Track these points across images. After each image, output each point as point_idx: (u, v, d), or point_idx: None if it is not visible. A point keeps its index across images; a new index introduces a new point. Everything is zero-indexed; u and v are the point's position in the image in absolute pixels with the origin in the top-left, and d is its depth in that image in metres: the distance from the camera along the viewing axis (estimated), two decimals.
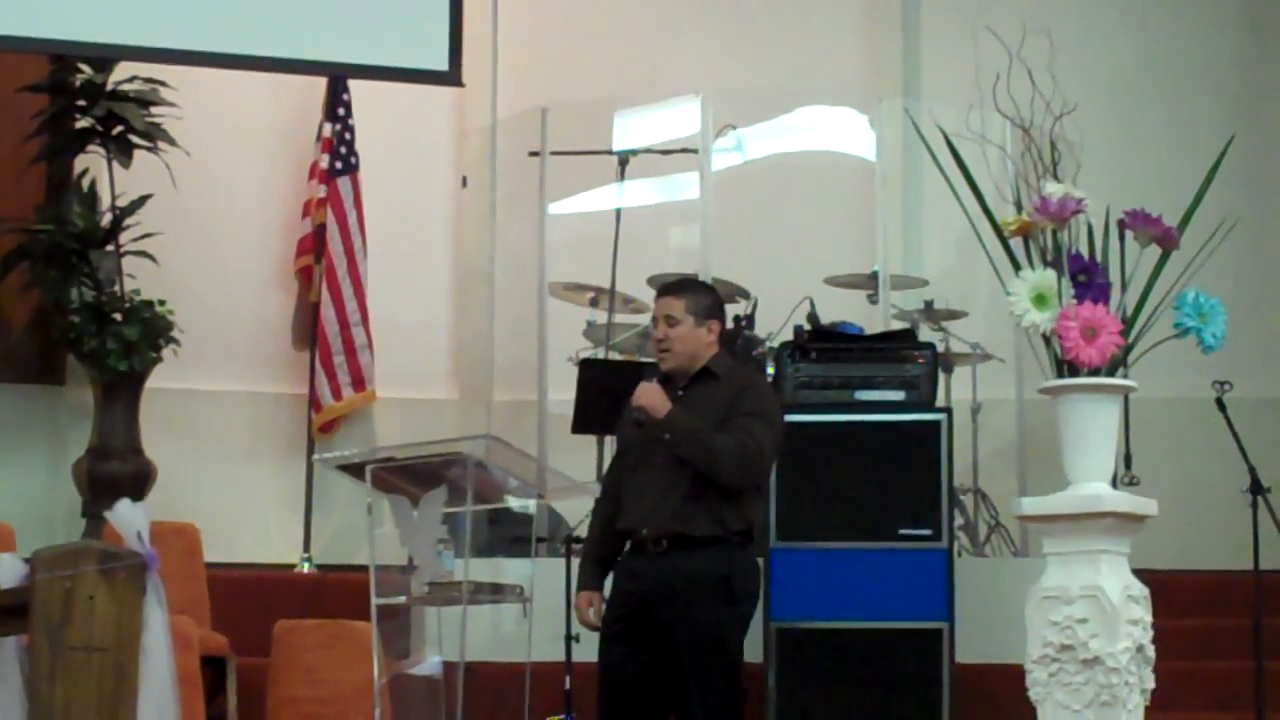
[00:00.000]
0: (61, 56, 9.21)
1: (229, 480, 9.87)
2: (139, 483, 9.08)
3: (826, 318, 9.18)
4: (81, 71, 9.38)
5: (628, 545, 6.80)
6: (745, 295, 9.58)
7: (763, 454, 6.72)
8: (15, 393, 9.55)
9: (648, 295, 9.51)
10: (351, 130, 10.01)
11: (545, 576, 6.61)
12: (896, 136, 10.10)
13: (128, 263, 9.36)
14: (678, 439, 6.62)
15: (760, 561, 7.98)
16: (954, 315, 9.63)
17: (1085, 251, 5.24)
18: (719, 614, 6.63)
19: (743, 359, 9.13)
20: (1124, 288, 5.23)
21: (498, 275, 10.05)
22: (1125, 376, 5.20)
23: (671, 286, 7.05)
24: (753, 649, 7.91)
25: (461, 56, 8.56)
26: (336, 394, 9.89)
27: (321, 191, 9.95)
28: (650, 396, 6.65)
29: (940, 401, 8.65)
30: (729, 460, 6.60)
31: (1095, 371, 5.11)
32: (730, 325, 9.33)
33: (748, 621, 6.81)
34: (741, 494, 6.70)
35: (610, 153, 9.91)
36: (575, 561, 7.42)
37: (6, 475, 9.38)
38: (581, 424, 8.71)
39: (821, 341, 8.52)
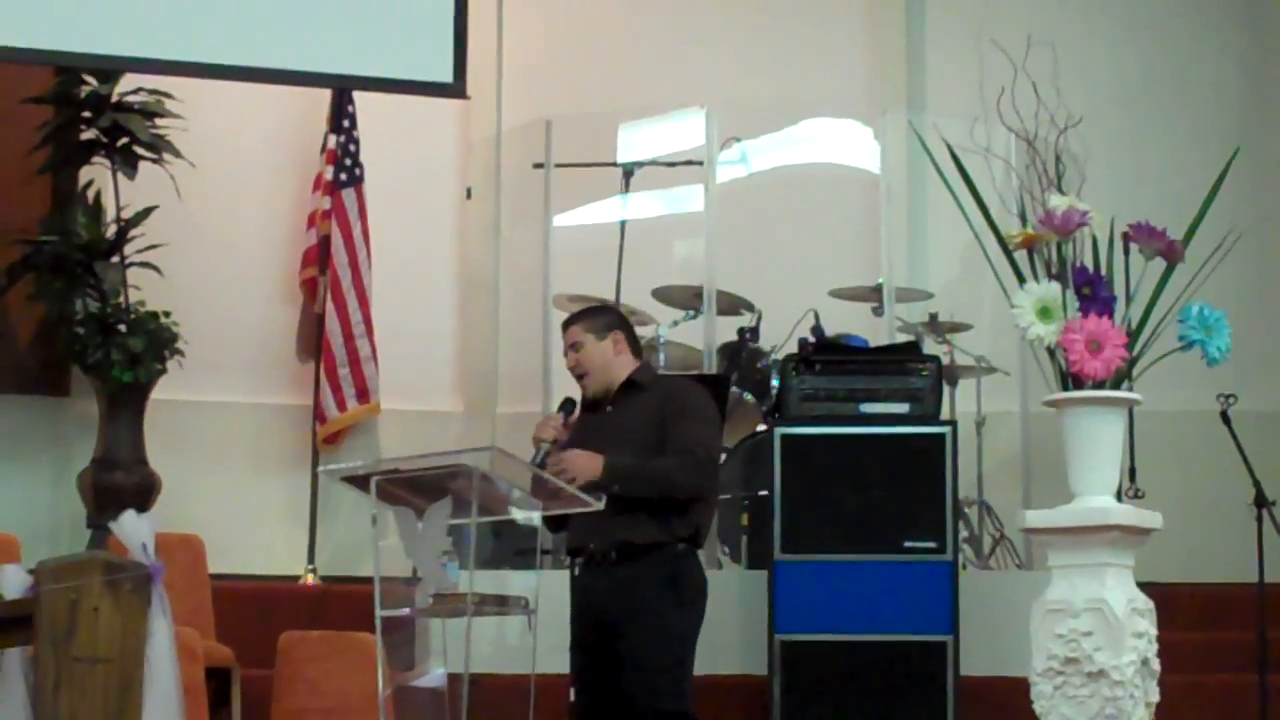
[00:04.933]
0: (66, 68, 9.22)
1: (233, 491, 9.86)
2: (144, 494, 9.08)
3: (831, 330, 9.19)
4: (86, 83, 9.38)
5: (578, 561, 6.85)
6: (750, 308, 9.59)
7: (709, 455, 6.81)
8: (20, 404, 9.56)
9: (652, 308, 9.53)
10: (356, 142, 10.01)
11: (549, 588, 6.59)
12: (901, 149, 10.11)
13: (132, 274, 9.37)
14: (626, 486, 6.62)
15: (764, 573, 8.02)
16: (958, 328, 9.63)
17: (1090, 264, 5.24)
18: (669, 612, 6.67)
19: (747, 372, 9.14)
20: (1129, 300, 5.23)
21: (502, 287, 10.06)
22: (1130, 389, 5.20)
23: (568, 318, 7.17)
24: (757, 662, 7.93)
25: (466, 68, 8.56)
26: (341, 405, 9.88)
27: (326, 203, 9.95)
28: (578, 468, 6.62)
29: (945, 414, 8.64)
30: (680, 479, 6.67)
31: (1100, 384, 5.11)
32: (735, 337, 9.36)
33: (699, 621, 6.79)
34: (689, 502, 6.73)
35: (615, 165, 9.92)
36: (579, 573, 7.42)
37: (11, 486, 9.39)
38: None
39: (826, 354, 8.52)
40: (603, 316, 7.10)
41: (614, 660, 6.69)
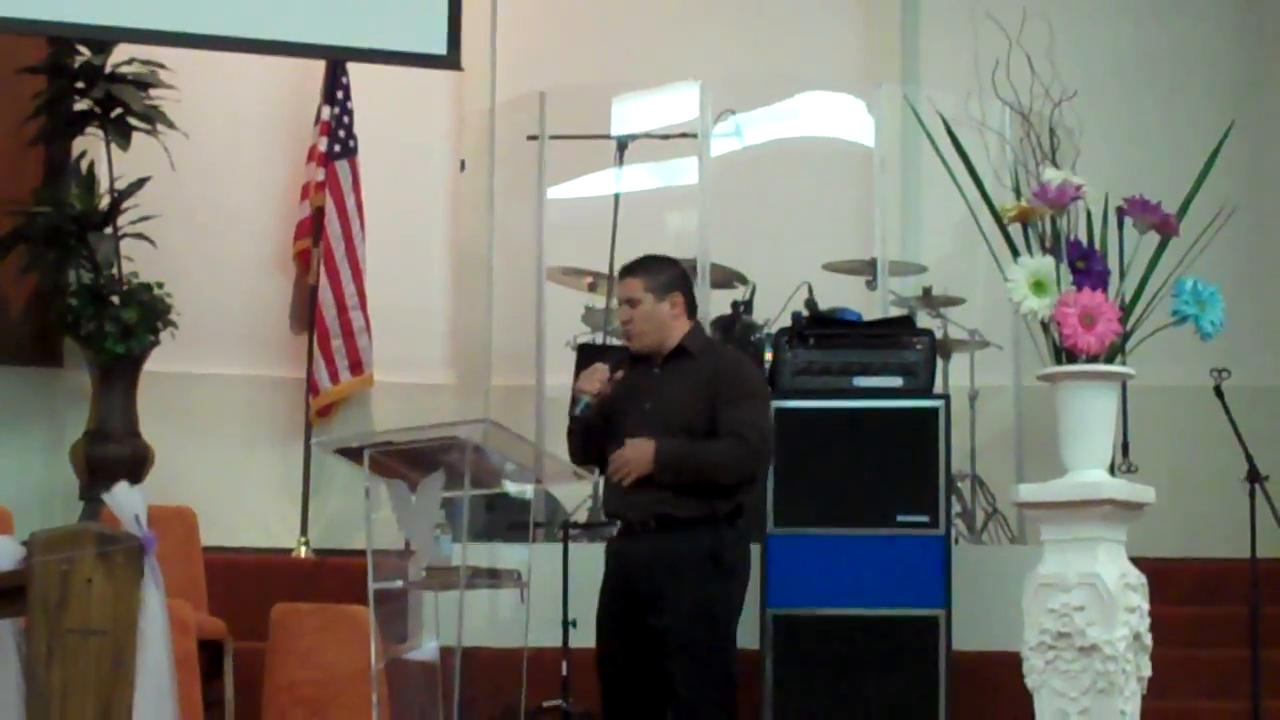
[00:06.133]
0: (60, 38, 9.20)
1: (226, 464, 9.86)
2: (136, 466, 9.07)
3: (825, 304, 9.17)
4: (80, 53, 9.36)
5: (617, 528, 6.81)
6: (743, 281, 9.58)
7: (763, 438, 6.71)
8: (13, 375, 9.55)
9: None
10: (350, 114, 10.00)
11: (542, 561, 6.60)
12: (895, 122, 10.09)
13: (126, 245, 9.36)
14: (678, 476, 6.58)
15: (756, 547, 8.00)
16: (952, 301, 9.62)
17: (1084, 238, 5.23)
18: (710, 588, 6.61)
19: (740, 345, 9.12)
20: (1122, 275, 5.22)
21: (496, 259, 10.03)
22: (1123, 364, 5.20)
23: (629, 267, 6.92)
24: (750, 636, 7.91)
25: (460, 40, 8.55)
26: (334, 378, 9.88)
27: (320, 175, 9.93)
28: (632, 463, 6.61)
29: (938, 388, 8.65)
30: (732, 464, 6.60)
31: (1093, 358, 5.11)
32: (728, 311, 9.35)
33: (741, 596, 6.77)
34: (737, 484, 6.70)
35: (609, 137, 9.90)
36: (573, 547, 7.42)
37: (4, 458, 9.39)
38: None
39: (819, 328, 8.51)
40: (665, 273, 6.83)
41: (643, 633, 6.60)
